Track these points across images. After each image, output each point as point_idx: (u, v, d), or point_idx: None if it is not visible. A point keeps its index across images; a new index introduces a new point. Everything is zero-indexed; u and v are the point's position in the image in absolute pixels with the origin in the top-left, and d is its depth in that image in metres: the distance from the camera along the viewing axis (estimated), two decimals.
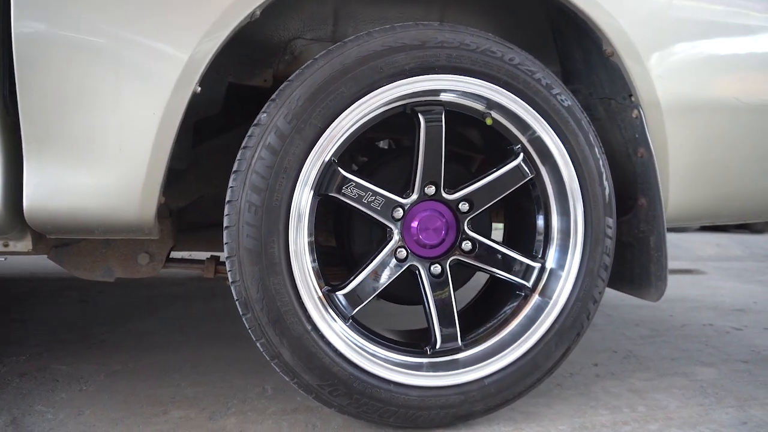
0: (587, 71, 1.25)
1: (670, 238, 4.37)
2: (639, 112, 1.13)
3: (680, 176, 1.18)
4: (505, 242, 1.36)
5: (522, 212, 1.25)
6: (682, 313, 2.10)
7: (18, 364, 1.38)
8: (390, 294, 1.19)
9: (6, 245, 1.01)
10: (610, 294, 2.38)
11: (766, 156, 1.24)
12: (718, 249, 3.97)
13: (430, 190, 1.07)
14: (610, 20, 1.08)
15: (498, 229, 1.59)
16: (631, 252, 1.23)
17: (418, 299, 1.10)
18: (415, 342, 1.13)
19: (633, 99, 1.14)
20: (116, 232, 0.98)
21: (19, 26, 0.85)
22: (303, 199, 0.96)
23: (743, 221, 1.39)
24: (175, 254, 1.49)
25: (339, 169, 0.99)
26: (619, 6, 1.08)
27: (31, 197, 0.90)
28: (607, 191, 1.10)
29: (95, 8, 0.87)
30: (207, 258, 1.33)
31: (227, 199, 0.96)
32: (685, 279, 2.92)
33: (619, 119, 1.20)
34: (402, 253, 1.06)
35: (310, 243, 0.99)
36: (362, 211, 1.02)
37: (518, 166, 1.08)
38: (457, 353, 1.08)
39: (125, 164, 0.91)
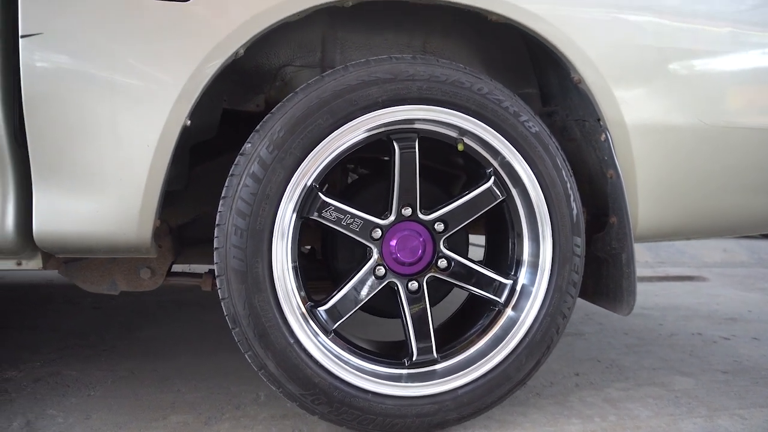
0: (563, 95, 1.32)
1: (676, 244, 4.36)
2: (607, 135, 1.19)
3: (649, 195, 1.24)
4: (485, 257, 1.43)
5: (500, 229, 1.32)
6: (673, 322, 2.14)
7: (32, 370, 1.49)
8: (371, 308, 1.27)
9: (19, 264, 1.11)
10: None
11: (733, 173, 1.29)
12: (725, 254, 3.97)
13: (407, 211, 1.15)
14: (577, 50, 1.15)
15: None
16: (606, 267, 1.29)
17: (398, 313, 1.17)
18: (394, 353, 1.21)
19: (601, 123, 1.20)
20: (117, 252, 1.08)
21: (27, 71, 0.95)
22: (285, 222, 1.04)
23: (718, 236, 1.44)
24: (177, 267, 1.59)
25: (319, 194, 1.08)
26: (585, 36, 1.15)
27: (40, 222, 1.00)
28: (574, 212, 1.16)
29: (96, 55, 0.97)
30: (205, 272, 1.42)
31: (216, 222, 1.05)
32: (684, 287, 2.94)
33: (593, 140, 1.26)
34: (381, 270, 1.14)
35: (293, 262, 1.07)
36: (342, 232, 1.11)
37: (489, 189, 1.16)
38: (434, 365, 1.15)
39: (123, 192, 1.00)
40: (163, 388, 1.38)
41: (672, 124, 1.22)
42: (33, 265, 1.13)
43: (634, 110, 1.19)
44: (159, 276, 1.36)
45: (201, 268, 1.72)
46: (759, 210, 1.35)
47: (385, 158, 1.66)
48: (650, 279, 3.13)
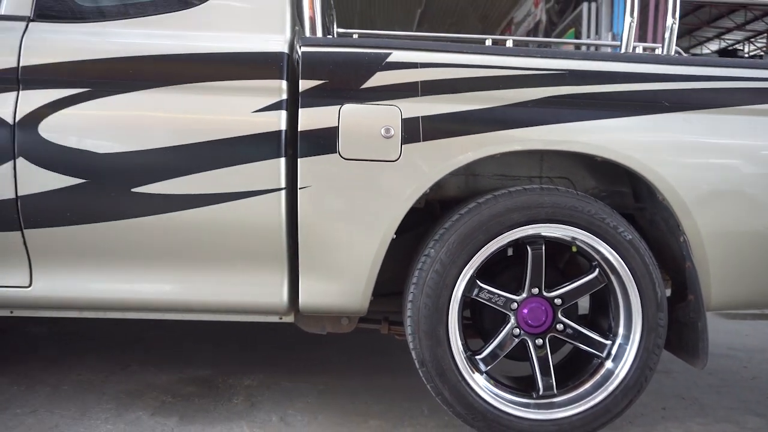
0: (651, 199, 1.76)
1: None
2: (685, 238, 1.63)
3: (720, 281, 1.65)
4: (589, 317, 1.89)
5: (602, 301, 1.77)
6: (757, 365, 2.44)
7: (261, 380, 2.15)
8: (507, 354, 1.78)
9: (280, 318, 1.76)
10: None
11: None
12: None
13: (535, 290, 1.65)
14: (662, 180, 1.59)
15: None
16: (686, 330, 1.71)
17: (527, 359, 1.68)
18: (525, 387, 1.71)
19: (680, 228, 1.63)
20: (346, 314, 1.69)
21: (302, 208, 1.57)
22: (456, 300, 1.59)
23: None
24: None
25: (477, 281, 1.62)
26: (668, 170, 1.59)
27: (304, 297, 1.63)
28: (659, 295, 1.61)
29: (341, 199, 1.57)
30: (383, 320, 2.00)
31: (409, 299, 1.61)
32: None
33: (675, 234, 1.69)
34: (516, 331, 1.66)
35: (460, 325, 1.61)
36: (491, 306, 1.64)
37: (595, 277, 1.64)
38: (554, 398, 1.65)
39: (355, 281, 1.60)
40: (354, 400, 1.98)
41: (739, 230, 1.63)
42: (287, 319, 1.78)
43: (707, 221, 1.61)
44: (353, 323, 1.96)
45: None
46: None
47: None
48: (744, 317, 3.36)
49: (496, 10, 9.69)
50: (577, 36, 6.29)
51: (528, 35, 8.44)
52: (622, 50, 1.72)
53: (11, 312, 1.73)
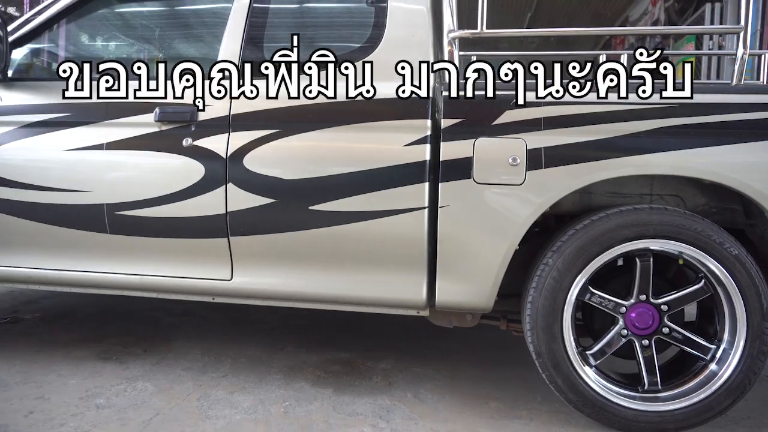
0: (761, 217, 1.91)
1: None
2: None
3: None
4: (696, 320, 2.06)
5: (708, 309, 1.95)
6: None
7: (394, 363, 2.55)
8: (616, 352, 2.02)
9: (418, 313, 2.13)
10: None
11: None
12: None
13: (642, 297, 1.88)
14: (766, 199, 1.75)
15: None
16: None
17: (633, 357, 1.91)
18: (631, 382, 1.94)
19: None
20: (473, 311, 2.02)
21: (442, 222, 1.93)
22: (570, 303, 1.86)
23: None
24: None
25: (589, 287, 1.88)
26: None
27: (440, 297, 1.98)
28: (765, 305, 1.76)
29: (472, 218, 1.90)
30: (501, 317, 2.30)
31: (528, 300, 1.91)
32: None
33: None
34: (624, 332, 1.89)
35: (573, 325, 1.89)
36: (602, 309, 1.89)
37: (701, 288, 1.83)
38: (658, 393, 1.86)
39: (483, 283, 1.93)
40: (475, 386, 2.31)
41: None
42: (423, 313, 2.15)
43: None
44: (476, 318, 2.29)
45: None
46: None
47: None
48: None
49: (610, 9, 9.44)
50: (699, 39, 6.08)
51: (645, 35, 8.18)
52: (733, 82, 1.87)
53: (213, 299, 2.27)
